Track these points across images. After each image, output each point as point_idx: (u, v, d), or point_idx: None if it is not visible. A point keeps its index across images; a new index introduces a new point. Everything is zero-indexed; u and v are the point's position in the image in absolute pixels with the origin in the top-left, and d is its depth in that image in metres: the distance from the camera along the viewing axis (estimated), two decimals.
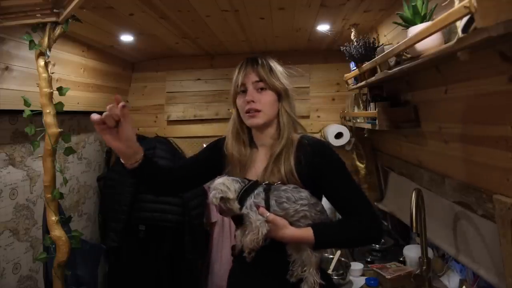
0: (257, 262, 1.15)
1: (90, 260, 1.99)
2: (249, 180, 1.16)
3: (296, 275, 1.13)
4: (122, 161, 1.16)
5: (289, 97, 1.24)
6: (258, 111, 1.17)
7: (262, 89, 1.19)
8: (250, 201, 1.11)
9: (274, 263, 1.17)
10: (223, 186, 1.10)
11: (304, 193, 1.14)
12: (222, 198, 1.09)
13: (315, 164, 1.17)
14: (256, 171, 1.22)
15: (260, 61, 1.21)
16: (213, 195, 1.10)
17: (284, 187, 1.14)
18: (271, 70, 1.20)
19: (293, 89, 1.26)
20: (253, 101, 1.17)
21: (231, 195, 1.10)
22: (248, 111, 1.18)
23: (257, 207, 1.10)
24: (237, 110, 1.25)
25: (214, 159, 1.30)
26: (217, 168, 1.28)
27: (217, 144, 1.34)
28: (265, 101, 1.18)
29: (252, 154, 1.25)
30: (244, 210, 1.11)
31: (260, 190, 1.13)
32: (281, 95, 1.22)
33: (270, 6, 1.73)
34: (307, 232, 1.10)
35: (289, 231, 1.10)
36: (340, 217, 1.24)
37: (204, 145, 2.62)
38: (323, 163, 1.18)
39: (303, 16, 1.91)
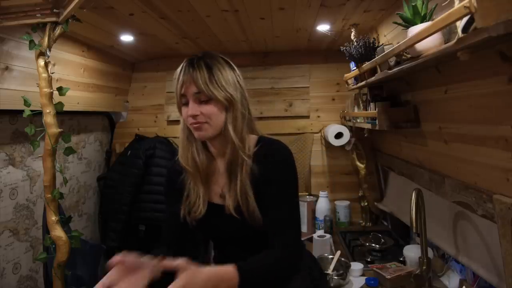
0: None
1: (90, 260, 1.99)
2: None
3: None
4: None
5: (235, 105, 1.07)
6: (203, 123, 1.05)
7: (203, 100, 1.04)
8: None
9: None
10: None
11: None
12: None
13: (267, 170, 1.07)
14: (218, 188, 1.15)
15: (199, 67, 1.04)
16: None
17: None
18: (211, 78, 1.03)
19: (243, 97, 1.11)
20: (196, 115, 1.04)
21: None
22: (192, 124, 1.07)
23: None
24: None
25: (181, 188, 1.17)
26: None
27: (172, 174, 1.21)
28: (208, 113, 1.04)
29: (210, 164, 1.16)
30: None
31: None
32: (226, 105, 1.06)
33: (270, 6, 1.73)
34: (227, 271, 0.93)
35: (203, 275, 0.90)
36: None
37: None
38: (274, 170, 1.08)
39: (303, 16, 1.91)
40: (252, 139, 1.14)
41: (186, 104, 1.07)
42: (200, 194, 1.14)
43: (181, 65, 1.07)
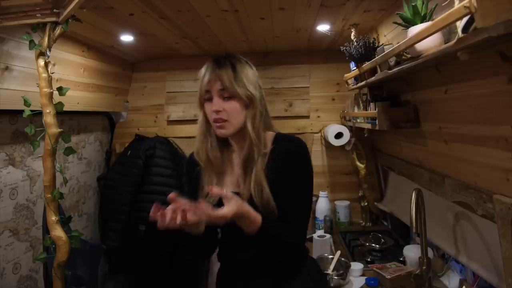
0: (243, 264, 1.18)
1: (90, 260, 1.99)
2: None
3: None
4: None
5: (255, 104, 1.15)
6: (225, 120, 1.13)
7: (227, 97, 1.12)
8: None
9: (259, 263, 1.17)
10: None
11: None
12: None
13: (284, 164, 1.14)
14: (234, 178, 1.21)
15: (224, 66, 1.12)
16: None
17: None
18: (236, 76, 1.11)
19: (262, 96, 1.19)
20: (219, 111, 1.12)
21: None
22: (215, 121, 1.14)
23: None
24: (204, 114, 1.19)
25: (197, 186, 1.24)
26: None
27: (189, 166, 1.29)
28: (231, 110, 1.12)
29: (225, 157, 1.23)
30: None
31: None
32: (247, 103, 1.14)
33: (270, 6, 1.73)
34: (258, 215, 1.05)
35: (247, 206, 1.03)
36: None
37: None
38: (290, 163, 1.14)
39: (303, 16, 1.91)
40: (269, 136, 1.20)
41: (209, 99, 1.14)
42: (214, 184, 1.19)
43: (207, 64, 1.15)
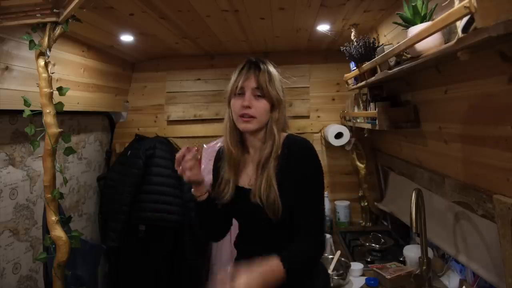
0: (255, 255, 1.20)
1: (90, 260, 1.99)
2: None
3: None
4: (194, 193, 1.27)
5: (281, 106, 1.24)
6: (252, 117, 1.19)
7: (259, 96, 1.20)
8: None
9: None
10: None
11: None
12: None
13: (291, 166, 1.18)
14: (247, 177, 1.27)
15: (262, 68, 1.22)
16: None
17: None
18: (270, 78, 1.21)
19: (285, 99, 1.27)
20: (249, 107, 1.18)
21: None
22: (242, 115, 1.20)
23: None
24: (231, 110, 1.26)
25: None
26: None
27: (215, 158, 1.38)
28: (260, 108, 1.20)
29: (243, 155, 1.29)
30: None
31: None
32: (274, 104, 1.22)
33: (270, 6, 1.73)
34: (273, 262, 1.07)
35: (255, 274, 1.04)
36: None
37: (205, 145, 2.63)
38: (298, 165, 1.19)
39: (303, 16, 1.91)
40: (282, 137, 1.26)
41: (241, 94, 1.21)
42: (231, 180, 1.26)
43: (243, 64, 1.24)
